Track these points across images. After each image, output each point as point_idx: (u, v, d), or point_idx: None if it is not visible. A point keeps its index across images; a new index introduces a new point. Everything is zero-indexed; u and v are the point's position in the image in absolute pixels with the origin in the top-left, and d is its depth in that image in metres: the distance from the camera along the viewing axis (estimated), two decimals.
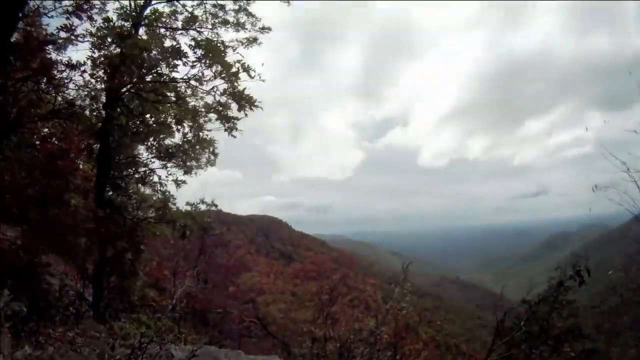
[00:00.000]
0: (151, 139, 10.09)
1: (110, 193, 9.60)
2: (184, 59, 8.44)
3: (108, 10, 8.77)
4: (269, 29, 9.53)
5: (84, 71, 8.09)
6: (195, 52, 8.52)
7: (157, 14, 9.42)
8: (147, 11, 9.33)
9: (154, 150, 10.25)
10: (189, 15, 9.32)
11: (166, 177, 10.27)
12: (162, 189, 10.34)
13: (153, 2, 9.36)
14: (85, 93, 8.69)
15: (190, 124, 9.86)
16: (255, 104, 8.88)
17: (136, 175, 10.26)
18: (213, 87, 9.00)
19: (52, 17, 7.69)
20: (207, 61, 8.62)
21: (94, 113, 9.05)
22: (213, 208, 13.28)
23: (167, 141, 10.29)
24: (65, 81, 7.96)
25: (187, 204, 10.55)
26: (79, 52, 8.38)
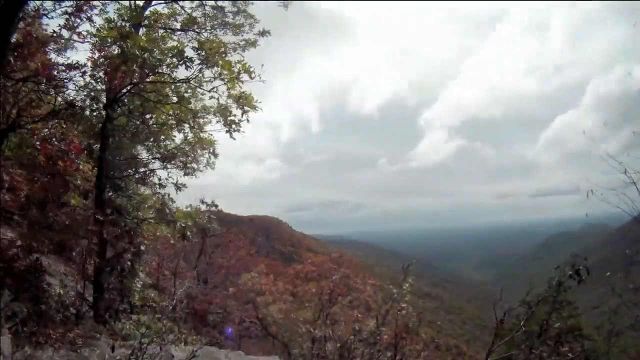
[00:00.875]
0: (151, 140, 10.09)
1: (110, 193, 9.58)
2: (188, 63, 8.42)
3: (108, 12, 8.79)
4: (268, 32, 9.54)
5: (84, 72, 8.09)
6: (199, 54, 8.51)
7: (157, 15, 9.44)
8: (147, 12, 9.35)
9: (154, 151, 10.25)
10: (188, 16, 9.34)
11: (166, 178, 10.29)
12: (161, 190, 10.35)
13: (153, 3, 9.38)
14: (85, 93, 8.69)
15: (191, 124, 9.87)
16: (256, 105, 8.87)
17: (136, 176, 10.26)
18: (214, 88, 9.01)
19: (52, 17, 7.70)
20: (209, 62, 8.61)
21: (94, 113, 9.05)
22: (213, 208, 13.31)
23: (168, 142, 10.30)
24: (66, 82, 7.96)
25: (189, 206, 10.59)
26: (79, 53, 8.39)
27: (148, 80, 8.90)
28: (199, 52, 8.46)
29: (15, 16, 6.77)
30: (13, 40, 7.02)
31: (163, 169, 10.24)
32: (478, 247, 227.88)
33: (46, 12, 7.61)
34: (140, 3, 9.15)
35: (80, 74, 8.03)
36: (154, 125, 9.85)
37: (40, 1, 7.47)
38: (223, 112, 9.08)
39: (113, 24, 8.62)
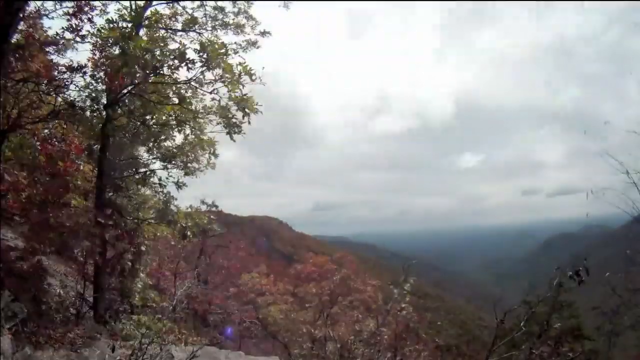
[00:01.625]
0: (152, 140, 10.09)
1: (111, 194, 9.58)
2: (190, 65, 8.44)
3: (109, 12, 8.80)
4: (269, 33, 9.55)
5: (85, 72, 8.11)
6: (201, 56, 8.52)
7: (158, 15, 9.45)
8: (148, 12, 9.35)
9: (154, 152, 10.24)
10: (189, 17, 9.34)
11: (167, 178, 10.28)
12: (162, 190, 10.34)
13: (154, 3, 9.38)
14: (86, 94, 8.69)
15: (191, 126, 9.87)
16: (255, 108, 8.89)
17: (137, 176, 10.25)
18: (214, 89, 9.02)
19: (52, 18, 7.71)
20: (211, 64, 8.62)
21: (95, 114, 9.05)
22: (214, 209, 13.30)
23: (168, 142, 10.29)
24: (66, 83, 7.98)
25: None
26: (80, 53, 8.39)
27: (150, 81, 8.91)
28: (201, 54, 8.47)
29: (15, 16, 6.78)
30: (14, 41, 7.03)
31: (163, 169, 10.24)
32: (479, 247, 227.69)
33: (47, 13, 7.63)
34: (141, 3, 9.16)
35: (81, 75, 8.07)
36: (155, 126, 9.84)
37: (41, 1, 7.49)
38: (224, 113, 9.09)
39: (114, 24, 8.63)
